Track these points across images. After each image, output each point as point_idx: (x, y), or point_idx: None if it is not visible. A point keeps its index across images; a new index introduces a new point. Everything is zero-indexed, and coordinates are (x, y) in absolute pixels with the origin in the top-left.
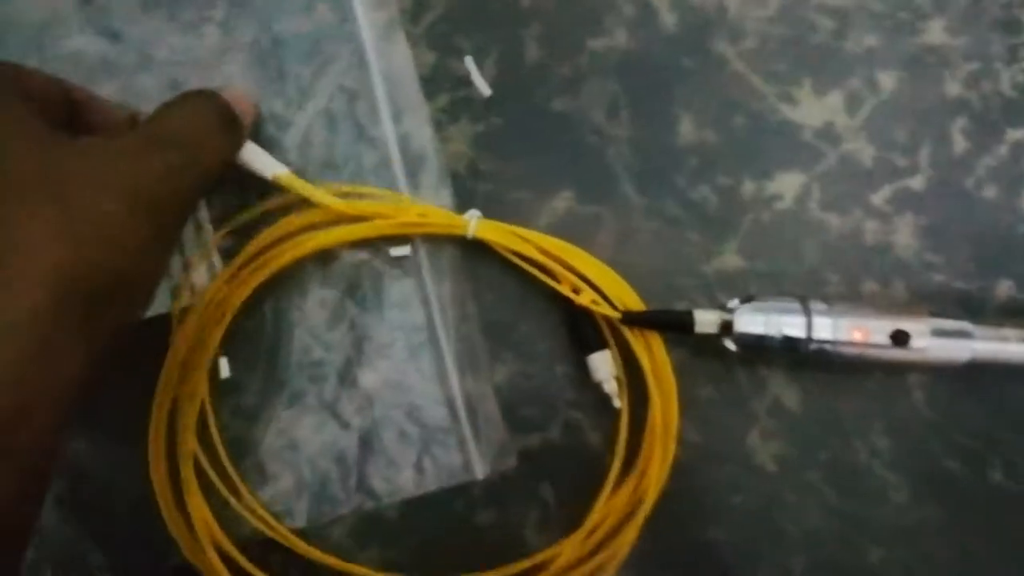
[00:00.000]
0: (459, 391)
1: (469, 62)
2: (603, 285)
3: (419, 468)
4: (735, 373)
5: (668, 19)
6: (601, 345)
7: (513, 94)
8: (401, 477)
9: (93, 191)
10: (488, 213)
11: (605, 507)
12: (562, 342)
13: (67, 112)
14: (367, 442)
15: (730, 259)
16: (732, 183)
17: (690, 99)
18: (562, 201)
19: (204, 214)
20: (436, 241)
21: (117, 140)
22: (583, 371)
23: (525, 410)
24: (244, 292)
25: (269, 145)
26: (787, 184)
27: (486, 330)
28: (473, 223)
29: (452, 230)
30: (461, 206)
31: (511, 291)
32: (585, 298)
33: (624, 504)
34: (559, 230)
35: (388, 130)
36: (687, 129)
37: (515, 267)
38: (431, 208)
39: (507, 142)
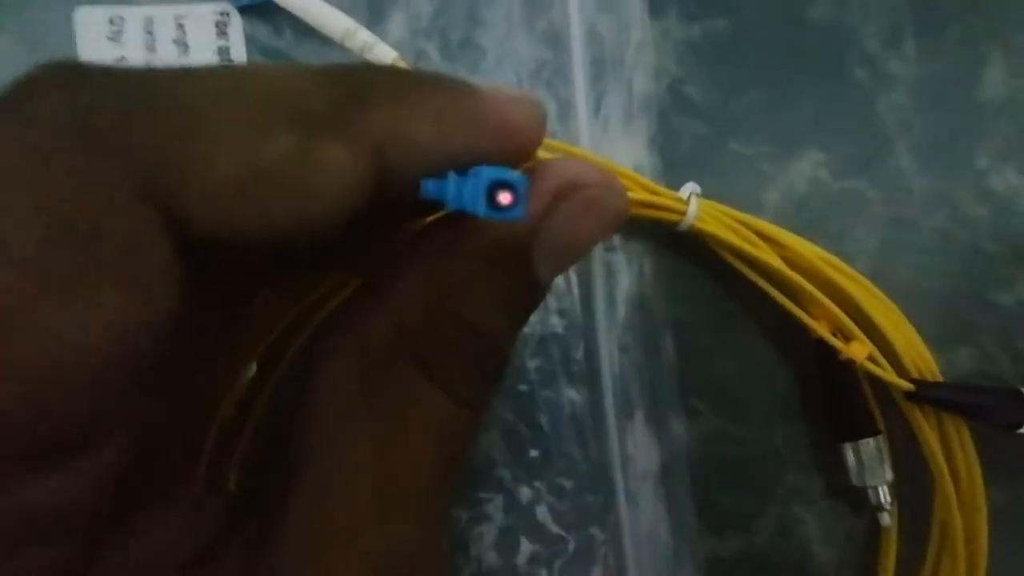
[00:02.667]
0: (618, 459)
1: None
2: (888, 331)
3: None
4: None
5: None
6: (865, 425)
7: None
8: None
9: None
10: (693, 171)
11: None
12: (791, 396)
13: None
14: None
15: None
16: None
17: (1008, 31)
18: (806, 165)
19: None
20: (627, 224)
21: None
22: (821, 446)
23: (721, 494)
24: None
25: None
26: None
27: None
28: (692, 208)
29: (657, 214)
30: (654, 156)
31: (720, 310)
32: (858, 350)
33: None
34: (797, 211)
35: (573, 6)
36: (998, 77)
37: (733, 276)
38: (631, 175)
39: (734, 59)
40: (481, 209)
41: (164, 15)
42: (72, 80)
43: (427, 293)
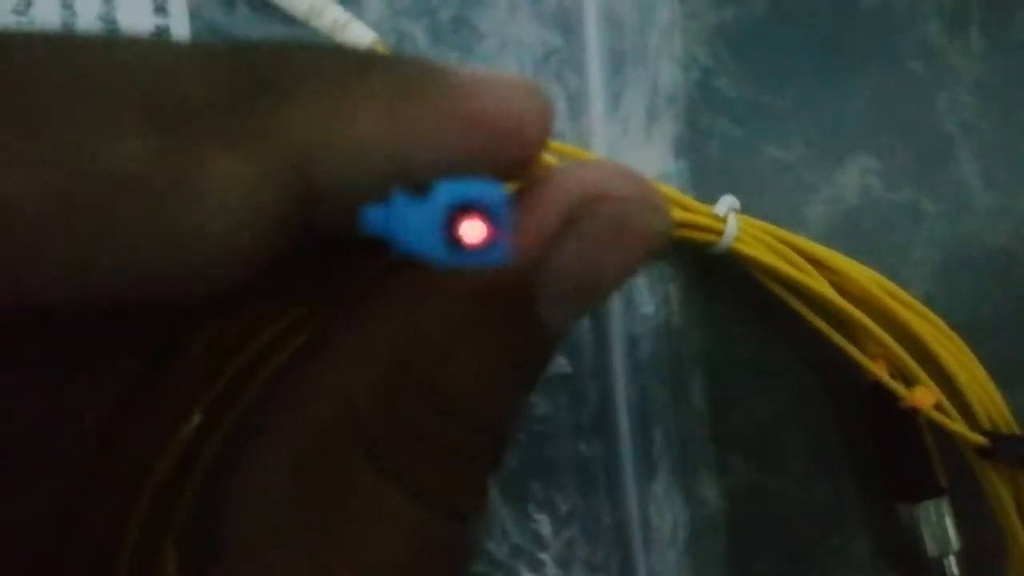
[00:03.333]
0: (638, 526)
1: None
2: (957, 373)
3: None
4: None
5: None
6: (929, 484)
7: None
8: None
9: None
10: (726, 180)
11: None
12: (838, 447)
13: None
14: None
15: None
16: None
17: None
18: (855, 173)
19: None
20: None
21: None
22: (870, 504)
23: (757, 559)
24: None
25: None
26: None
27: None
28: (730, 226)
29: (689, 233)
30: (680, 163)
31: (758, 346)
32: (924, 397)
33: None
34: (844, 227)
35: None
36: None
37: (774, 305)
38: (663, 189)
39: (773, 48)
40: (438, 251)
41: None
42: None
43: (387, 354)
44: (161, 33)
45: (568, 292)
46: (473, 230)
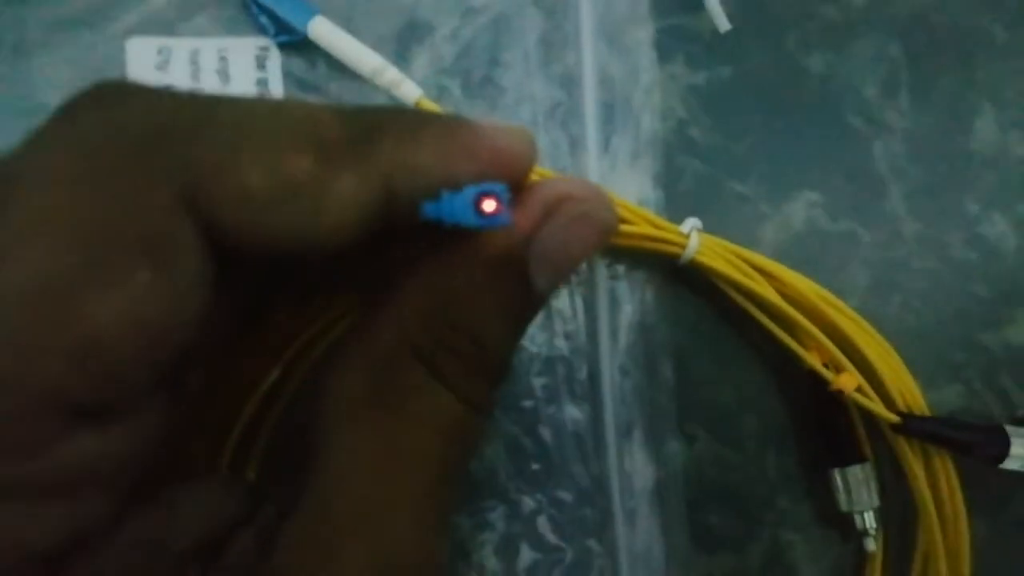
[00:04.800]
0: (616, 476)
1: None
2: (877, 364)
3: None
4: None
5: None
6: (853, 452)
7: (755, 35)
8: None
9: None
10: (695, 207)
11: None
12: (784, 424)
13: None
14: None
15: None
16: None
17: (998, 85)
18: (802, 206)
19: None
20: (630, 255)
21: None
22: (811, 472)
23: (714, 515)
24: None
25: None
26: None
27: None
28: (693, 242)
29: (660, 246)
30: (658, 192)
31: (718, 339)
32: (847, 381)
33: None
34: (792, 249)
35: (587, 51)
36: (988, 128)
37: (730, 307)
38: (635, 210)
39: (736, 104)
40: (470, 218)
41: (209, 47)
42: (121, 94)
43: (429, 302)
44: (261, 84)
45: (549, 261)
46: (490, 205)
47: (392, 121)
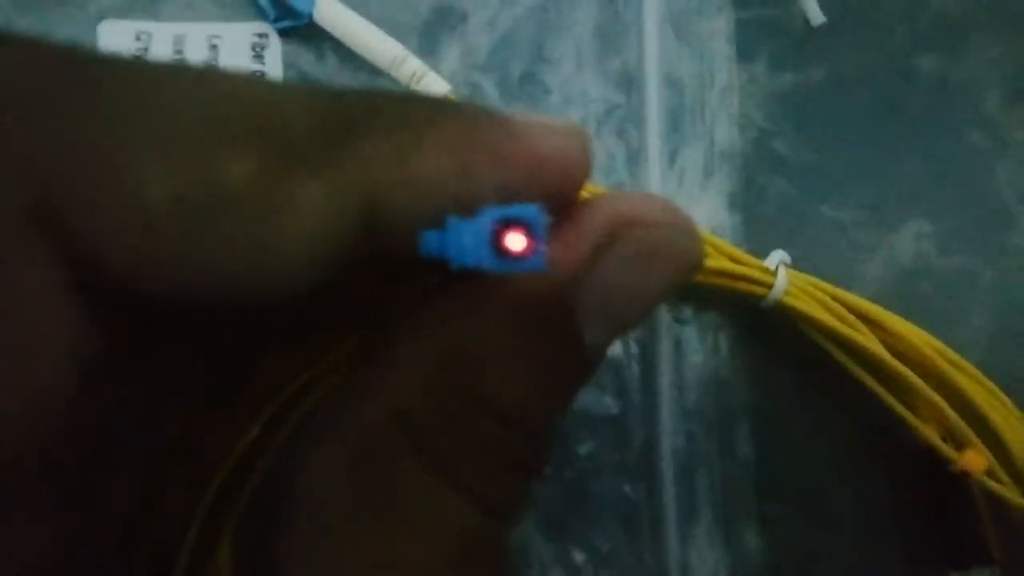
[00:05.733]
0: (676, 570)
1: None
2: (1008, 438)
3: None
4: None
5: None
6: (978, 552)
7: (854, 30)
8: None
9: None
10: (779, 237)
11: None
12: (887, 508)
13: None
14: None
15: None
16: None
17: None
18: (910, 237)
19: None
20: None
21: None
22: (920, 570)
23: None
24: None
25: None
26: None
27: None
28: (779, 280)
29: (738, 285)
30: (735, 218)
31: (807, 400)
32: (974, 461)
33: None
34: (898, 289)
35: (650, 45)
36: None
37: (823, 361)
38: (707, 238)
39: (830, 113)
40: (486, 258)
41: (196, 34)
42: None
43: (436, 359)
44: None
45: (605, 309)
46: (516, 241)
47: (382, 109)
